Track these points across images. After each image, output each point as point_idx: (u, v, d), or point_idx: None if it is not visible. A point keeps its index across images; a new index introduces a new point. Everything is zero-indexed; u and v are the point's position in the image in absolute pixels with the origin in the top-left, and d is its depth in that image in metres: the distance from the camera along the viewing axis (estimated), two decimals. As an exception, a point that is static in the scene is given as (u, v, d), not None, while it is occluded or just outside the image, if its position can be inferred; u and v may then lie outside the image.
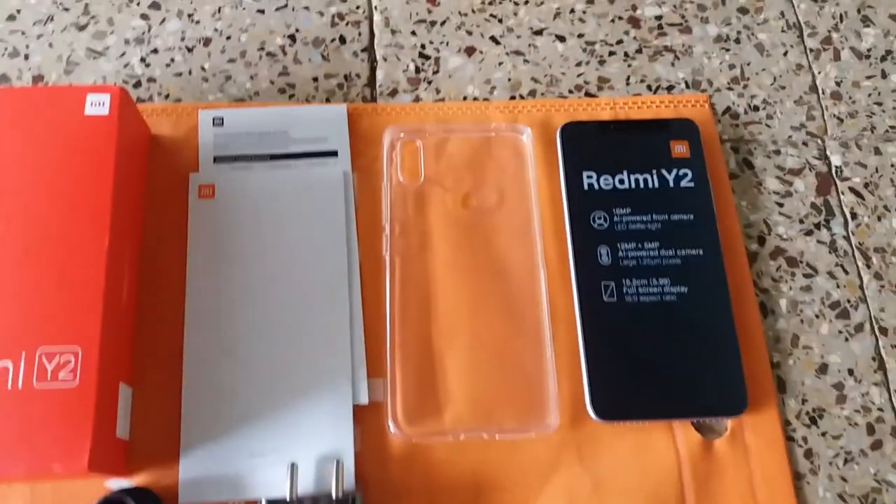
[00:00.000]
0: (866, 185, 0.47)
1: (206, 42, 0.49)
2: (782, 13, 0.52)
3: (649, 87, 0.49)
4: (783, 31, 0.51)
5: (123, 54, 0.49)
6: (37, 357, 0.34)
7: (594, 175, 0.45)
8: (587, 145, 0.46)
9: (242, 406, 0.39)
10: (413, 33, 0.50)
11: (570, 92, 0.49)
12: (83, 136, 0.38)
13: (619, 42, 0.51)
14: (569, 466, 0.39)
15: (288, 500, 0.36)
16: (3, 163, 0.37)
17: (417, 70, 0.49)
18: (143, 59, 0.49)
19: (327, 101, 0.48)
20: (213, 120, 0.45)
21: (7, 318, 0.35)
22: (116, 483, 0.37)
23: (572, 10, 0.52)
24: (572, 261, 0.43)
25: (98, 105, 0.39)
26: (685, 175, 0.45)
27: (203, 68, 0.48)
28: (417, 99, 0.48)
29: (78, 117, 0.39)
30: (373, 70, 0.49)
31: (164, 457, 0.38)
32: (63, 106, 0.39)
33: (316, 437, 0.38)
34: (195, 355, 0.40)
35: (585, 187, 0.44)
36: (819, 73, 0.50)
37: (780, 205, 0.47)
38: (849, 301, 0.44)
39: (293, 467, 0.37)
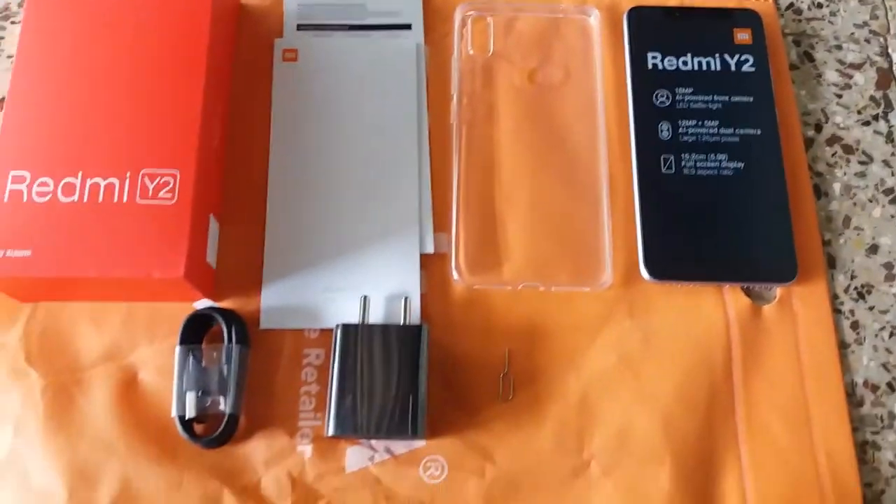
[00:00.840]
0: (927, 80, 0.47)
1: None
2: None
3: (715, -20, 0.49)
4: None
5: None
6: (140, 177, 0.37)
7: (659, 56, 0.46)
8: (653, 29, 0.46)
9: (320, 245, 0.41)
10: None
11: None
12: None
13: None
14: (620, 321, 0.40)
15: (358, 325, 0.38)
16: (112, 12, 0.40)
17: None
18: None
19: (402, -18, 0.49)
20: (297, -10, 0.46)
21: (114, 142, 0.38)
22: (204, 305, 0.40)
23: None
24: (633, 135, 0.44)
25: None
26: (746, 60, 0.45)
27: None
28: (488, -18, 0.49)
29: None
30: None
31: (246, 287, 0.40)
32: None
33: (386, 278, 0.41)
34: (278, 198, 0.42)
35: (650, 66, 0.45)
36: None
37: (839, 96, 0.47)
38: (903, 186, 0.44)
39: (365, 299, 0.39)
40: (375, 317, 0.40)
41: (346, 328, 0.38)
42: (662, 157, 0.43)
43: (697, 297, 0.41)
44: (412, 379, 0.37)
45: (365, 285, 0.41)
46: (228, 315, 0.39)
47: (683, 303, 0.41)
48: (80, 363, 0.39)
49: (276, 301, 0.40)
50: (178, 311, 0.39)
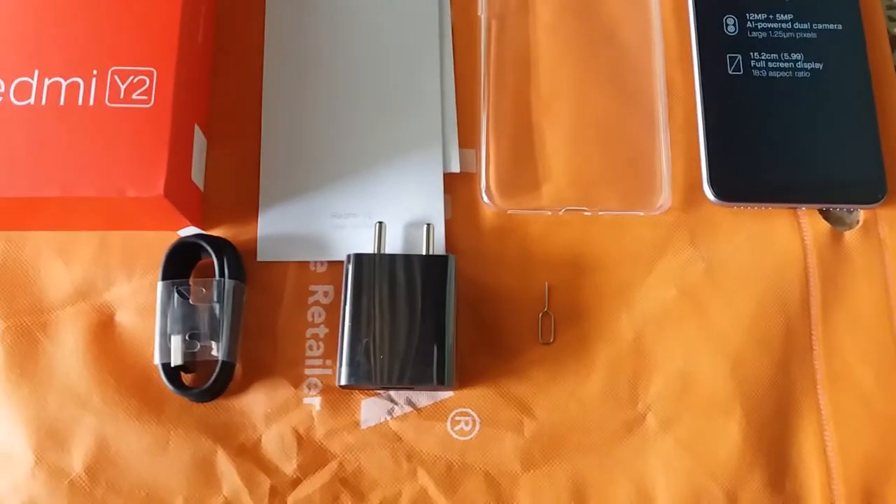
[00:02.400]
0: None
1: None
2: None
3: None
4: None
5: None
6: (109, 76, 0.30)
7: (718, -60, 0.37)
8: None
9: (325, 164, 0.34)
10: None
11: None
12: None
13: None
14: (680, 249, 0.33)
15: (374, 255, 0.31)
16: None
17: None
18: None
19: None
20: None
21: (77, 35, 0.30)
22: (190, 233, 0.33)
23: None
24: (694, 31, 0.36)
25: None
26: (825, -58, 0.37)
27: None
28: None
29: None
30: None
31: (240, 213, 0.33)
32: None
33: (404, 202, 0.34)
34: (275, 108, 0.35)
35: (710, -50, 0.37)
36: None
37: (932, -14, 0.39)
38: None
39: (380, 226, 0.32)
40: (393, 247, 0.33)
41: (360, 258, 0.31)
42: (728, 57, 0.35)
43: (769, 222, 0.34)
44: (438, 319, 0.30)
45: (379, 210, 0.33)
46: (219, 244, 0.32)
47: (753, 228, 0.34)
48: (46, 303, 0.32)
49: (275, 229, 0.33)
50: (160, 242, 0.32)
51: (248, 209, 0.34)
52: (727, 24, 0.36)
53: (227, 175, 0.34)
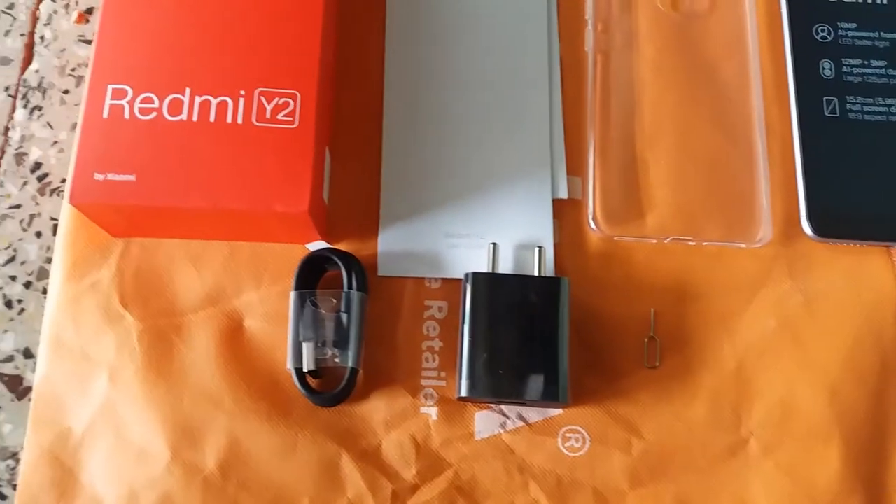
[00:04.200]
0: None
1: None
2: None
3: None
4: None
5: None
6: (255, 97, 0.30)
7: (815, -16, 0.37)
8: (810, -46, 0.38)
9: (441, 185, 0.34)
10: None
11: None
12: None
13: None
14: (779, 281, 0.33)
15: (490, 274, 0.32)
16: None
17: None
18: None
19: None
20: None
21: (225, 57, 0.31)
22: (319, 247, 0.33)
23: None
24: (791, 73, 0.36)
25: None
26: (919, -8, 0.37)
27: None
28: None
29: None
30: None
31: (360, 229, 0.34)
32: None
33: (515, 225, 0.34)
34: (395, 131, 0.35)
35: (808, -3, 0.37)
36: None
37: None
38: None
39: (494, 246, 0.33)
40: (504, 267, 0.33)
41: (477, 277, 0.31)
42: (825, 99, 0.35)
43: (864, 259, 0.34)
44: (552, 338, 0.30)
45: (491, 232, 0.34)
46: (347, 258, 0.32)
47: (849, 264, 0.34)
48: (180, 307, 0.33)
49: (394, 246, 0.34)
50: (285, 253, 0.33)
51: (368, 225, 0.34)
52: (823, 69, 0.36)
53: (349, 192, 0.34)
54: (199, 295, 0.33)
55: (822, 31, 0.37)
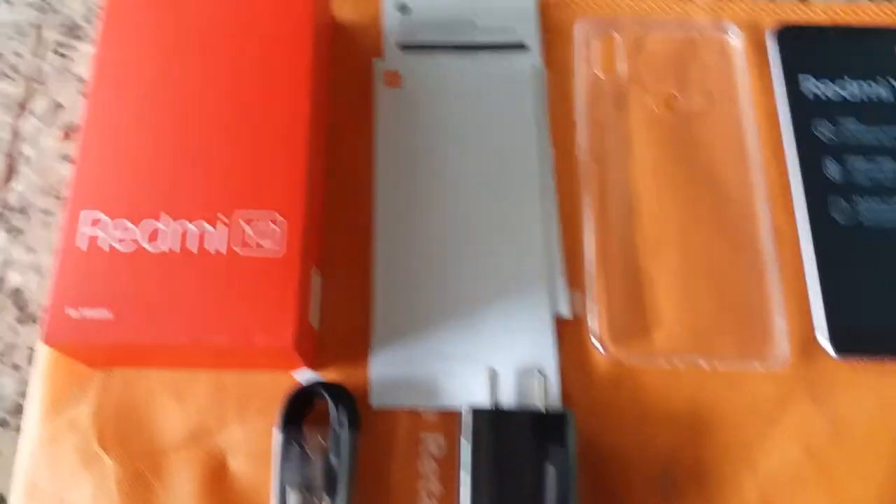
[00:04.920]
0: None
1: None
2: None
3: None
4: None
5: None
6: (238, 222, 0.28)
7: (812, 79, 0.36)
8: (806, 50, 0.37)
9: (435, 304, 0.32)
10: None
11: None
12: (282, 15, 0.32)
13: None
14: (801, 406, 0.31)
15: (490, 410, 0.29)
16: (207, 35, 0.32)
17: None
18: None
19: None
20: (399, 6, 0.37)
21: (207, 180, 0.29)
22: (305, 377, 0.31)
23: None
24: (796, 174, 0.34)
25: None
26: (923, 86, 0.35)
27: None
28: (612, -6, 0.39)
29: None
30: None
31: (352, 352, 0.32)
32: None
33: (514, 345, 0.32)
34: (386, 247, 0.33)
35: (805, 93, 0.35)
36: None
37: None
38: None
39: (494, 374, 0.30)
40: (505, 394, 0.31)
41: (478, 415, 0.29)
42: (833, 203, 0.33)
43: (893, 376, 0.31)
44: (560, 479, 0.28)
45: (489, 354, 0.31)
46: (337, 392, 0.30)
47: (878, 384, 0.31)
48: (160, 445, 0.30)
49: (387, 371, 0.31)
50: (273, 383, 0.31)
51: (360, 348, 0.32)
52: (828, 169, 0.34)
53: (339, 313, 0.32)
54: (181, 432, 0.30)
55: (823, 128, 0.35)
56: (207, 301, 0.28)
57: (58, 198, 0.36)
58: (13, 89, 0.38)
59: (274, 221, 0.29)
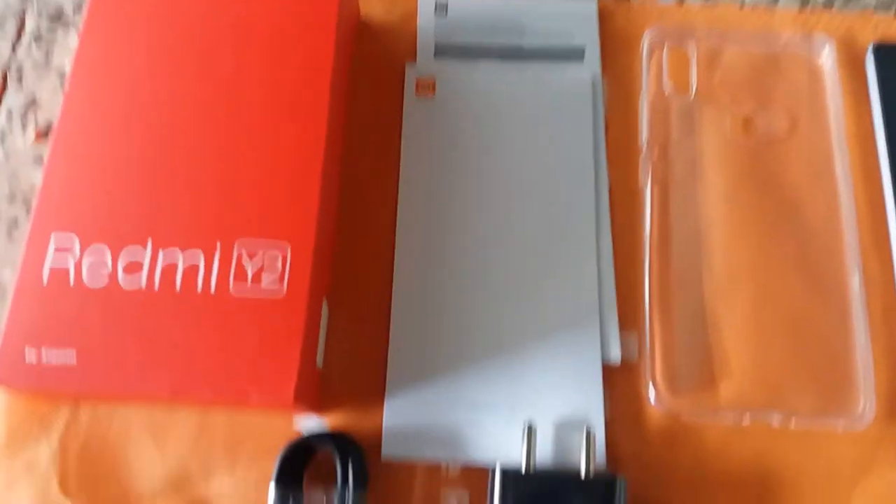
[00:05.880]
0: None
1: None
2: None
3: None
4: None
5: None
6: (235, 254, 0.32)
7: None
8: (907, 68, 0.42)
9: (462, 345, 0.36)
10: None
11: (877, 8, 0.45)
12: (302, 13, 0.37)
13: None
14: (886, 470, 0.34)
15: (525, 472, 0.33)
16: (209, 29, 0.36)
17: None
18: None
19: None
20: (436, 5, 0.43)
21: (200, 203, 0.33)
22: (306, 422, 0.35)
23: None
24: (894, 210, 0.39)
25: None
26: None
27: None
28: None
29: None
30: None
31: (362, 396, 0.35)
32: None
33: (554, 395, 0.35)
34: (407, 280, 0.37)
35: (909, 118, 0.41)
36: None
37: None
38: None
39: (530, 430, 0.34)
40: (542, 451, 0.34)
41: (510, 476, 0.32)
42: (938, 243, 0.38)
43: None
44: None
45: (525, 402, 0.35)
46: (343, 444, 0.33)
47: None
48: (134, 492, 0.34)
49: (402, 419, 0.35)
50: (268, 425, 0.35)
51: (372, 392, 0.35)
52: (934, 205, 0.39)
53: (349, 351, 0.36)
54: (158, 478, 0.34)
55: (930, 155, 0.40)
56: (193, 349, 0.30)
57: (28, 209, 0.42)
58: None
59: (279, 253, 0.32)
